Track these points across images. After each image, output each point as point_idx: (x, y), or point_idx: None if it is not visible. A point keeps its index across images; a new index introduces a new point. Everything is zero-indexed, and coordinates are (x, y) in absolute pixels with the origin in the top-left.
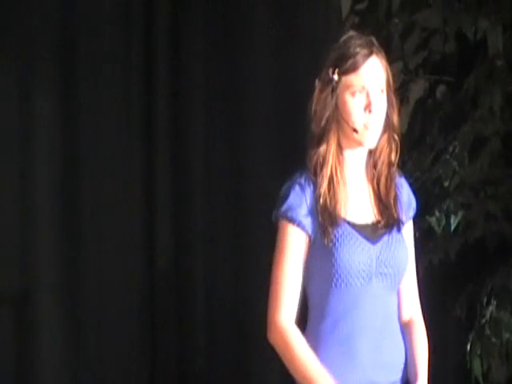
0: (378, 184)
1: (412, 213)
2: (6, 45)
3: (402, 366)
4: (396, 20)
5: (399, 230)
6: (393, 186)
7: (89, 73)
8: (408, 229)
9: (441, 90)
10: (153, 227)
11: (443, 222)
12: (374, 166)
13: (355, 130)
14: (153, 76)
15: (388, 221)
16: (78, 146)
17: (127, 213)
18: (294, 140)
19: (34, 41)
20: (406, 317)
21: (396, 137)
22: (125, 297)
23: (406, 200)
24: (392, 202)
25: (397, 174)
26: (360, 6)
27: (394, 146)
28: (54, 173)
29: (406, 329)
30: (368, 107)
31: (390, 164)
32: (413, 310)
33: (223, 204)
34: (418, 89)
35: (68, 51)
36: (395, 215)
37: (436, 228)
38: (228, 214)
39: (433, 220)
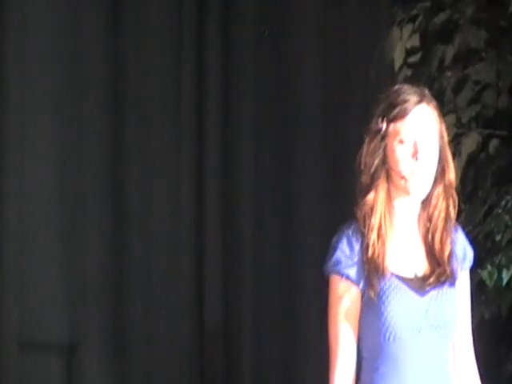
0: (433, 238)
1: (468, 264)
2: None
3: None
4: (449, 73)
5: (452, 285)
6: (448, 241)
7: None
8: (463, 280)
9: (494, 144)
10: (202, 259)
11: (495, 276)
12: (429, 220)
13: (403, 178)
14: (204, 88)
15: (439, 277)
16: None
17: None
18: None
19: None
20: (461, 372)
21: (453, 191)
22: (173, 351)
23: (462, 252)
24: (446, 257)
25: (453, 228)
26: (413, 59)
27: (451, 201)
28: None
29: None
30: (415, 154)
31: (446, 218)
32: (468, 365)
33: (272, 225)
34: (470, 142)
35: (119, 59)
36: (448, 272)
37: (488, 282)
38: (277, 238)
39: (484, 274)
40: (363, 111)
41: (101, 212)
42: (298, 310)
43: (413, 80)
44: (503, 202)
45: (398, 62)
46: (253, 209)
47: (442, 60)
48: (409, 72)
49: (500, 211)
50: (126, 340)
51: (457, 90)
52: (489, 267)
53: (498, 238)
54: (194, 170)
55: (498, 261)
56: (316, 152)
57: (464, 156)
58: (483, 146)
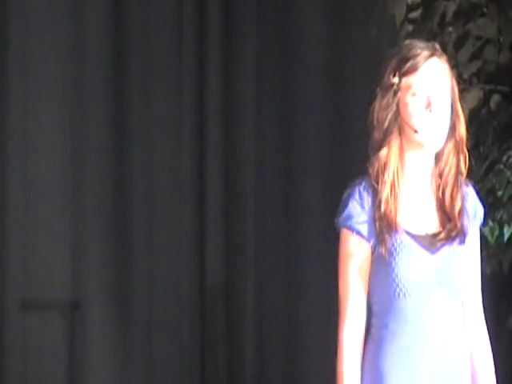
0: (444, 194)
1: (478, 222)
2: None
3: (467, 379)
4: (450, 29)
5: (462, 242)
6: (459, 197)
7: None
8: (473, 238)
9: (495, 99)
10: (204, 235)
11: (496, 232)
12: (440, 176)
13: (416, 131)
14: (204, 82)
15: (450, 232)
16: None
17: (179, 225)
18: (348, 146)
19: None
20: (470, 330)
21: (464, 146)
22: (174, 308)
23: (472, 209)
24: (457, 213)
25: (464, 184)
26: (414, 15)
27: (461, 156)
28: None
29: (471, 342)
30: (429, 106)
31: (457, 174)
32: (477, 322)
33: (276, 206)
34: (471, 98)
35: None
36: (459, 227)
37: (489, 238)
38: (281, 218)
39: (486, 230)
40: (366, 72)
41: (103, 169)
42: (300, 269)
43: (414, 36)
44: (505, 158)
45: (399, 18)
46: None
47: (443, 15)
48: (410, 28)
49: (502, 167)
50: (129, 297)
51: (458, 46)
52: (490, 223)
53: (499, 193)
54: (195, 168)
55: (499, 217)
56: (319, 140)
57: (465, 112)
58: (484, 101)
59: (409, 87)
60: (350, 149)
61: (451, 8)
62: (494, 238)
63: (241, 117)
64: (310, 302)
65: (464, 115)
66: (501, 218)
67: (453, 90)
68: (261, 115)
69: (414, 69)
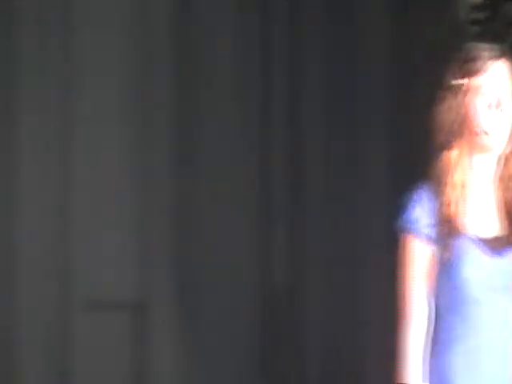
0: (509, 196)
1: None
2: None
3: None
4: None
5: None
6: None
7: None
8: None
9: None
10: (269, 238)
11: None
12: (506, 178)
13: (482, 132)
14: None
15: None
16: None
17: (242, 230)
18: (412, 147)
19: None
20: None
21: None
22: (239, 309)
23: None
24: None
25: None
26: (479, 15)
27: None
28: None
29: None
30: (497, 107)
31: None
32: None
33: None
34: None
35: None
36: None
37: None
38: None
39: None
40: (434, 72)
41: (169, 172)
42: (365, 272)
43: (479, 37)
44: None
45: (462, 18)
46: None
47: (508, 16)
48: (475, 29)
49: None
50: (194, 296)
51: None
52: None
53: None
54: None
55: None
56: (381, 139)
57: None
58: None
59: (475, 88)
60: (413, 150)
61: None
62: None
63: (307, 119)
64: (374, 305)
65: None
66: None
67: None
68: (328, 115)
69: (480, 70)
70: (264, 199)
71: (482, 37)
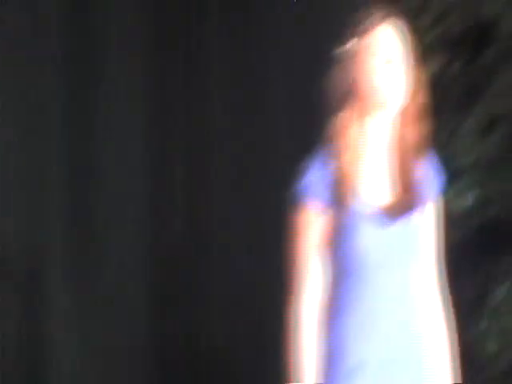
0: (404, 160)
1: (438, 191)
2: None
3: (428, 341)
4: None
5: (420, 211)
6: (419, 163)
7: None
8: (431, 208)
9: (456, 66)
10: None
11: (459, 200)
12: (399, 143)
13: (375, 90)
14: None
15: (409, 201)
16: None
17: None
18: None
19: None
20: (425, 300)
21: (424, 114)
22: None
23: (431, 178)
24: (416, 180)
25: (424, 151)
26: None
27: (422, 123)
28: None
29: (426, 314)
30: (388, 63)
31: (417, 140)
32: (432, 292)
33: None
34: (433, 64)
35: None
36: (417, 195)
37: (452, 206)
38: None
39: (448, 198)
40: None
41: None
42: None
43: (377, 2)
44: (467, 124)
45: None
46: None
47: None
48: None
49: (464, 133)
50: (87, 254)
51: (420, 12)
52: (452, 191)
53: (462, 160)
54: None
55: (461, 185)
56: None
57: (427, 77)
58: (446, 68)
59: (367, 48)
60: (309, 114)
61: None
62: (458, 205)
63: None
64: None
65: (425, 81)
66: (463, 185)
67: (411, 55)
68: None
69: (370, 29)
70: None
71: (380, 2)
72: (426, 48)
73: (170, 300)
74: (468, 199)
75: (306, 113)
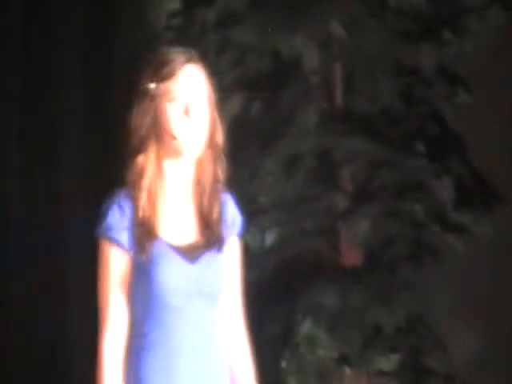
0: (202, 202)
1: (237, 230)
2: None
3: None
4: (211, 36)
5: (220, 249)
6: (217, 204)
7: None
8: (232, 246)
9: (256, 106)
10: None
11: (259, 239)
12: (198, 183)
13: (174, 138)
14: None
15: (209, 240)
16: None
17: None
18: (108, 153)
19: None
20: (230, 338)
21: (222, 154)
22: None
23: (231, 217)
24: (215, 220)
25: (222, 191)
26: (175, 22)
27: (219, 164)
28: None
29: (231, 351)
30: (187, 112)
31: (214, 181)
32: (237, 330)
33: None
34: (233, 105)
35: None
36: (217, 234)
37: (252, 245)
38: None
39: (248, 237)
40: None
41: None
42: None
43: (176, 43)
44: (267, 164)
45: (159, 25)
46: None
47: (203, 22)
48: (171, 35)
49: (263, 173)
50: None
51: (219, 53)
52: (252, 229)
53: (261, 199)
54: None
55: (261, 223)
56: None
57: (226, 119)
58: (246, 108)
59: (166, 93)
60: (110, 155)
61: (211, 15)
62: (257, 244)
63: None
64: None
65: (223, 122)
66: (263, 224)
67: (210, 98)
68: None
69: (170, 74)
70: None
71: (178, 43)
72: (225, 89)
73: None
74: (267, 238)
75: (111, 151)
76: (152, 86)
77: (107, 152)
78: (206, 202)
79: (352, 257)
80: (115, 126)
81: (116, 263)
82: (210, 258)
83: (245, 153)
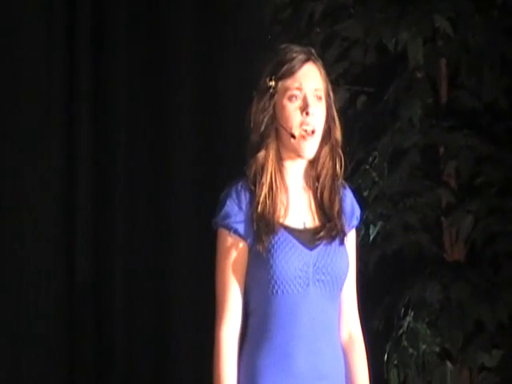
0: (322, 196)
1: (355, 222)
2: None
3: (342, 378)
4: (318, 29)
5: (341, 242)
6: (337, 199)
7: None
8: (350, 238)
9: (361, 100)
10: (73, 233)
11: (362, 233)
12: (317, 179)
13: (293, 136)
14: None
15: (330, 231)
16: None
17: (47, 220)
18: (219, 144)
19: None
20: (345, 329)
21: (340, 150)
22: (43, 307)
23: (350, 210)
24: (336, 214)
25: (341, 186)
26: (283, 15)
27: (337, 160)
28: None
29: (346, 342)
30: (305, 109)
31: (333, 177)
32: (352, 322)
33: (145, 206)
34: (338, 99)
35: None
36: (338, 227)
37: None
38: (151, 217)
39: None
40: (239, 71)
41: None
42: (171, 269)
43: (283, 36)
44: (370, 159)
45: (267, 19)
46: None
47: (310, 16)
48: (279, 28)
49: (367, 167)
50: None
51: (325, 47)
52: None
53: (365, 194)
54: (65, 169)
55: (364, 217)
56: (190, 139)
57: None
58: (351, 102)
59: (285, 91)
60: (225, 150)
61: (319, 9)
62: (360, 238)
63: (111, 117)
64: (181, 300)
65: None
66: (366, 218)
67: (328, 94)
68: (132, 115)
69: (290, 73)
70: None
71: (285, 36)
72: (331, 83)
73: None
74: (371, 232)
75: (223, 146)
76: (272, 83)
77: (224, 146)
78: (326, 197)
79: (455, 252)
80: (229, 122)
81: (233, 251)
82: (329, 248)
83: (349, 146)
